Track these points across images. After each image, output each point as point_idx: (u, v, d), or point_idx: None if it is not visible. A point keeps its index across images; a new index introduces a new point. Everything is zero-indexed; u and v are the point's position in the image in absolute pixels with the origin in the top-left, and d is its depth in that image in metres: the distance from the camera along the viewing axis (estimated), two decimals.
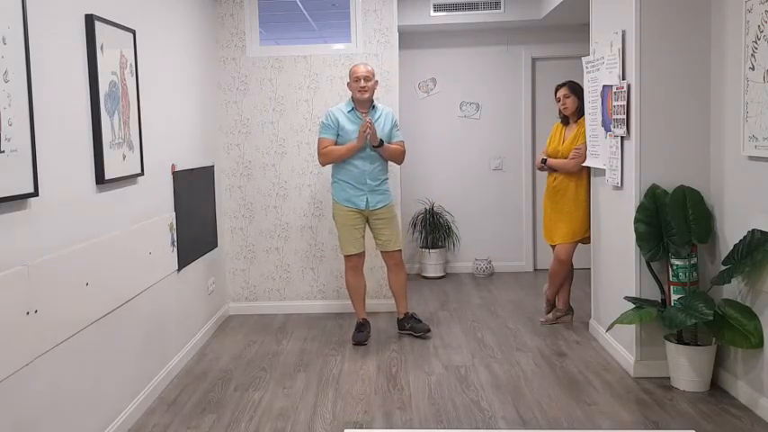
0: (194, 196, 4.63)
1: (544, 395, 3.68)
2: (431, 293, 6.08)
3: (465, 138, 6.87)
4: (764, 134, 3.17)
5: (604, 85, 4.21)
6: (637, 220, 3.81)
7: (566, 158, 4.80)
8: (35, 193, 2.55)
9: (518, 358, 4.28)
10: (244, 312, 5.48)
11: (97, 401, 3.09)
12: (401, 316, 4.84)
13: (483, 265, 6.75)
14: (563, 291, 4.99)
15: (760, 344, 3.29)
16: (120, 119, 3.34)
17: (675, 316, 3.51)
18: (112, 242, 3.24)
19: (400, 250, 4.81)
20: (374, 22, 5.34)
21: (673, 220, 3.70)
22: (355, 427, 3.35)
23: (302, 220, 5.48)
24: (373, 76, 4.64)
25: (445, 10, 6.29)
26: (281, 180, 5.46)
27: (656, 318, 3.67)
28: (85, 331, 2.96)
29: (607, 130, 4.18)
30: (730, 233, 3.58)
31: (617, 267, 4.23)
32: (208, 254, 4.93)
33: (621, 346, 4.12)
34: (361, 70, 4.60)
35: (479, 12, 6.28)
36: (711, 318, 3.42)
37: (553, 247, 4.99)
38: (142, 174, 3.63)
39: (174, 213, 4.17)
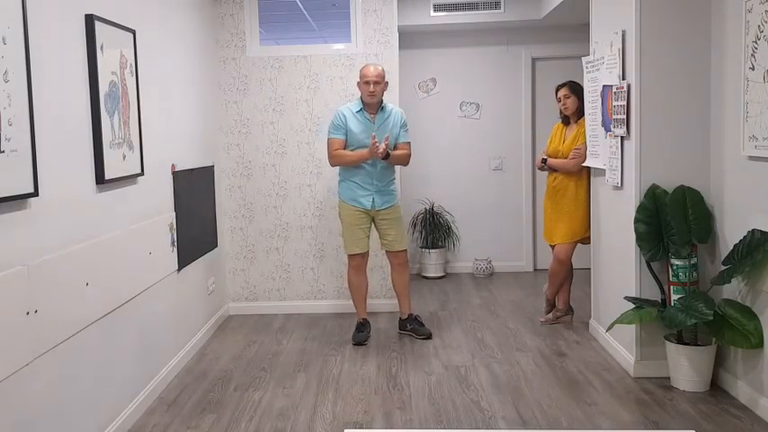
0: (194, 196, 4.63)
1: (544, 395, 3.68)
2: (431, 293, 6.07)
3: (465, 138, 6.87)
4: (764, 134, 3.17)
5: (604, 85, 4.21)
6: (637, 220, 3.81)
7: (566, 158, 4.81)
8: (35, 193, 2.55)
9: (518, 358, 4.28)
10: (244, 312, 5.48)
11: (97, 401, 3.09)
12: (404, 316, 4.84)
13: (483, 265, 6.75)
14: (563, 291, 4.99)
15: (760, 344, 3.29)
16: (120, 119, 3.34)
17: (675, 316, 3.51)
18: (112, 242, 3.24)
19: (405, 250, 4.81)
20: (374, 22, 5.34)
21: (673, 220, 3.70)
22: (355, 427, 3.35)
23: (302, 220, 5.48)
24: (383, 78, 4.63)
25: (445, 10, 6.29)
26: (281, 180, 5.46)
27: (656, 318, 3.67)
28: (85, 331, 2.96)
29: (607, 130, 4.18)
30: (730, 233, 3.58)
31: (617, 267, 4.23)
32: (208, 254, 4.93)
33: (621, 346, 4.12)
34: (371, 73, 4.57)
35: (479, 12, 6.28)
36: (711, 318, 3.42)
37: (553, 247, 4.99)
38: (142, 174, 3.63)
39: (174, 213, 4.17)
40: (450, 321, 5.16)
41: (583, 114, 4.75)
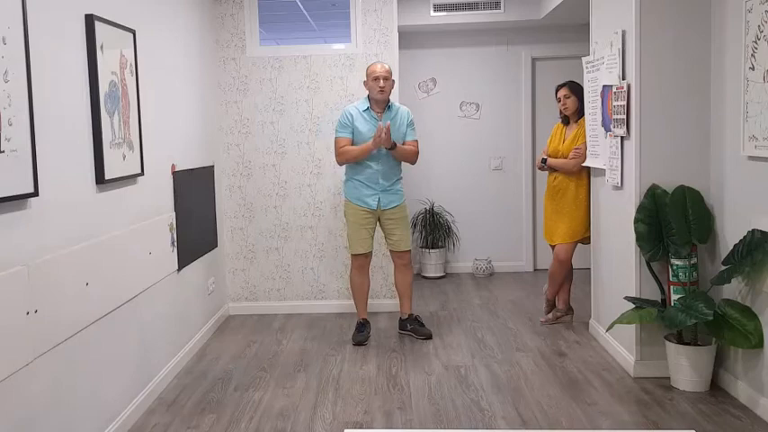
0: (194, 196, 4.63)
1: (544, 395, 3.68)
2: (431, 293, 6.07)
3: (465, 138, 6.87)
4: (764, 134, 3.17)
5: (604, 85, 4.21)
6: (637, 220, 3.81)
7: (566, 158, 4.81)
8: (35, 193, 2.55)
9: (518, 358, 4.28)
10: (244, 312, 5.48)
11: (97, 401, 3.09)
12: (404, 316, 4.84)
13: (483, 265, 6.75)
14: (563, 291, 4.99)
15: (760, 344, 3.29)
16: (120, 119, 3.34)
17: (675, 316, 3.51)
18: (112, 242, 3.24)
19: (409, 250, 4.82)
20: (374, 22, 5.34)
21: (673, 220, 3.70)
22: (355, 427, 3.35)
23: (302, 220, 5.48)
24: (391, 75, 4.65)
25: (445, 10, 6.29)
26: (281, 180, 5.46)
27: (656, 318, 3.67)
28: (85, 331, 2.96)
29: (607, 130, 4.18)
30: (730, 233, 3.58)
31: (617, 267, 4.23)
32: (208, 254, 4.93)
33: (621, 346, 4.12)
34: (380, 69, 4.58)
35: (479, 12, 6.28)
36: (711, 318, 3.42)
37: (553, 247, 4.99)
38: (142, 174, 3.63)
39: (174, 213, 4.17)
40: (450, 321, 5.16)
41: (583, 114, 4.75)
